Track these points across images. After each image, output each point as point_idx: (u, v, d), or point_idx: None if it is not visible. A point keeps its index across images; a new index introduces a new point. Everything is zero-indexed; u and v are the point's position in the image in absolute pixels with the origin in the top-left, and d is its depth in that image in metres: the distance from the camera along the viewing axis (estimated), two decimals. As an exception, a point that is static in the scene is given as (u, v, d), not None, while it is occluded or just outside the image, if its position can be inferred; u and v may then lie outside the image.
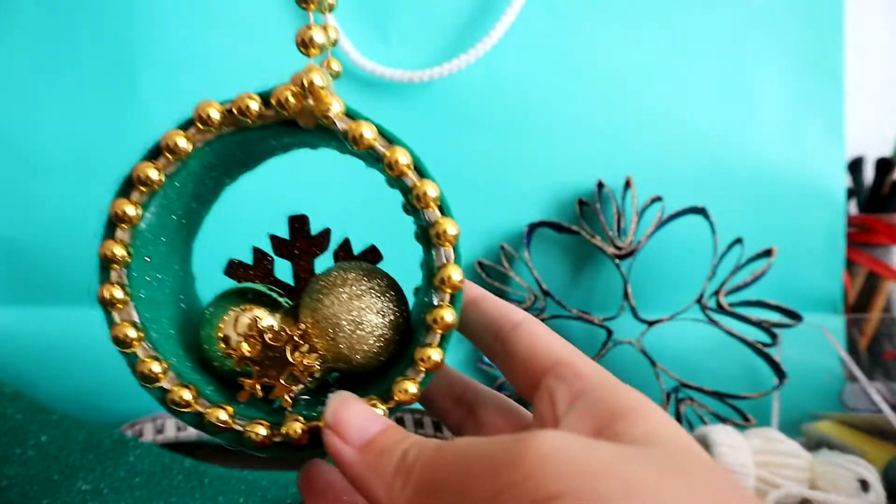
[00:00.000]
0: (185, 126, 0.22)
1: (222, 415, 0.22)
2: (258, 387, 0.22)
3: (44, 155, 0.46)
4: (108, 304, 0.22)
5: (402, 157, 0.21)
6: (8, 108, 0.46)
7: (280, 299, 0.24)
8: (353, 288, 0.23)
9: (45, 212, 0.46)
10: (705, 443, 0.39)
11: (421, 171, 0.22)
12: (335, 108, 0.21)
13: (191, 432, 0.41)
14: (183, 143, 0.21)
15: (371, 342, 0.23)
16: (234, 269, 0.25)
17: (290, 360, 0.22)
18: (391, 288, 0.23)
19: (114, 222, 0.22)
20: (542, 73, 0.50)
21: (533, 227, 0.49)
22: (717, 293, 0.47)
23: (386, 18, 0.48)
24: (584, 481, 0.15)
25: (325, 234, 0.25)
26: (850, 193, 0.64)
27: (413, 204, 0.22)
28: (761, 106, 0.52)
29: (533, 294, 0.49)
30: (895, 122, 0.65)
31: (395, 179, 0.22)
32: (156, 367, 0.22)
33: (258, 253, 0.25)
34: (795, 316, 0.47)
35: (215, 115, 0.21)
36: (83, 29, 0.46)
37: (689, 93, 0.51)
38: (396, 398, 0.22)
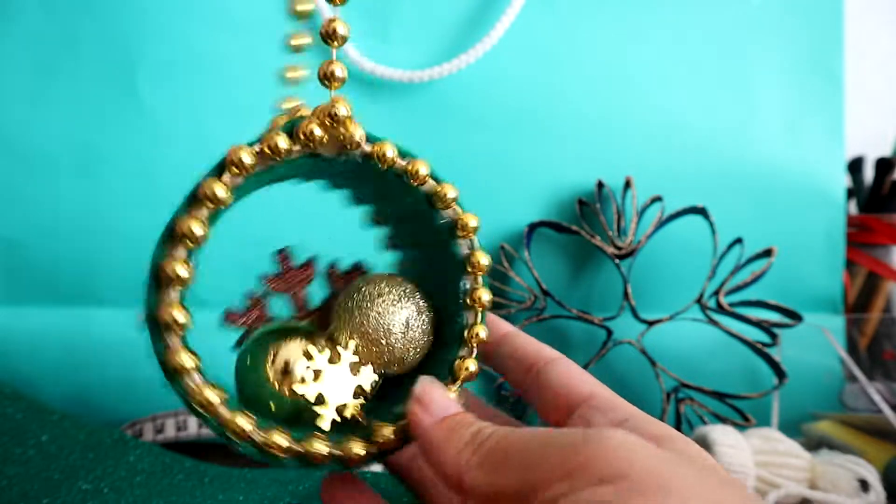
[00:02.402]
0: (218, 172, 0.21)
1: (283, 442, 0.22)
2: (335, 411, 0.23)
3: (44, 155, 0.46)
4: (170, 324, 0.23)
5: (423, 169, 0.23)
6: (8, 108, 0.46)
7: (300, 325, 0.25)
8: (391, 295, 0.24)
9: (45, 212, 0.46)
10: (705, 443, 0.39)
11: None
12: (359, 134, 0.22)
13: (190, 432, 0.41)
14: (221, 192, 0.21)
15: (423, 340, 0.25)
16: (231, 317, 0.25)
17: (354, 376, 0.24)
18: (417, 288, 0.25)
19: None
20: (542, 73, 0.50)
21: (533, 227, 0.49)
22: (717, 293, 0.47)
23: (386, 18, 0.48)
24: (647, 467, 0.17)
25: (312, 261, 0.27)
26: (850, 193, 0.64)
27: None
28: (761, 106, 0.52)
29: (533, 294, 0.49)
30: (895, 122, 0.65)
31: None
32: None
33: (252, 297, 0.26)
34: (795, 316, 0.47)
35: (247, 159, 0.21)
36: (84, 29, 0.46)
37: (689, 92, 0.51)
38: (460, 376, 0.24)
